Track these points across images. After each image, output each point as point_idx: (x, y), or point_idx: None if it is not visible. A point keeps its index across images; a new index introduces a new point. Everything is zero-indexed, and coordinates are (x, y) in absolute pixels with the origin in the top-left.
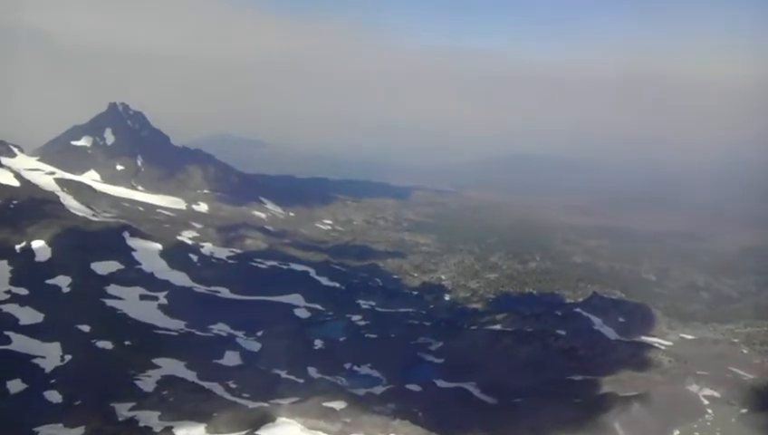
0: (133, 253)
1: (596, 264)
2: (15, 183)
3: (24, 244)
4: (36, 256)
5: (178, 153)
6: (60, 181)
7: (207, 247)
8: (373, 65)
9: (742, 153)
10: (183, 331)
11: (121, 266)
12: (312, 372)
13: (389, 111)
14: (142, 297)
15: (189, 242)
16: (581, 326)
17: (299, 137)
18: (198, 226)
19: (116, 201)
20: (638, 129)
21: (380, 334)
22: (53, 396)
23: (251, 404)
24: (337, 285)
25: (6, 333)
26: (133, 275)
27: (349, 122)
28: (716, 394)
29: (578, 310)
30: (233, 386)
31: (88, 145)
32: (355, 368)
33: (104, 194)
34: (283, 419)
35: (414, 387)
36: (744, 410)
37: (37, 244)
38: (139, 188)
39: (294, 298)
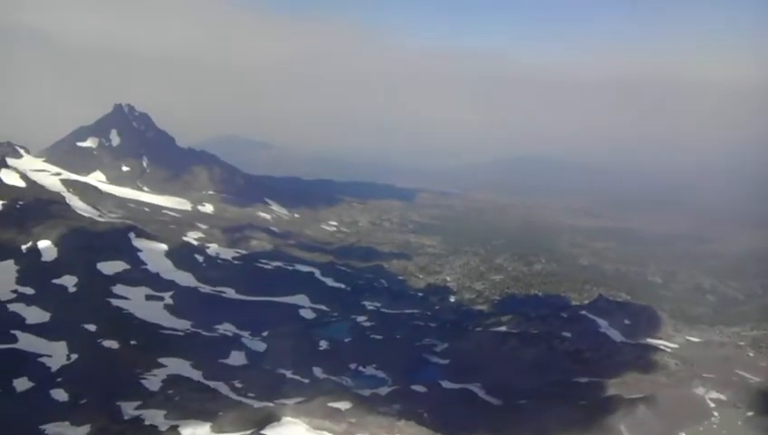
0: (139, 253)
1: (602, 266)
2: (21, 184)
3: (30, 244)
4: (42, 256)
5: (184, 154)
6: (66, 182)
7: (213, 248)
8: (373, 66)
9: (743, 154)
10: (189, 331)
11: (127, 267)
12: (318, 372)
13: (389, 111)
14: (148, 297)
15: (195, 243)
16: (587, 328)
17: (305, 139)
18: (204, 226)
19: (122, 202)
20: (639, 130)
21: (386, 335)
22: (60, 394)
23: (256, 404)
24: (342, 286)
25: (13, 332)
26: (139, 275)
27: (349, 123)
28: (722, 397)
29: (583, 312)
30: (238, 386)
31: (94, 146)
32: (360, 368)
33: (110, 195)
34: (289, 418)
35: (419, 388)
36: (750, 414)
37: (43, 244)
38: (145, 188)
39: (300, 299)
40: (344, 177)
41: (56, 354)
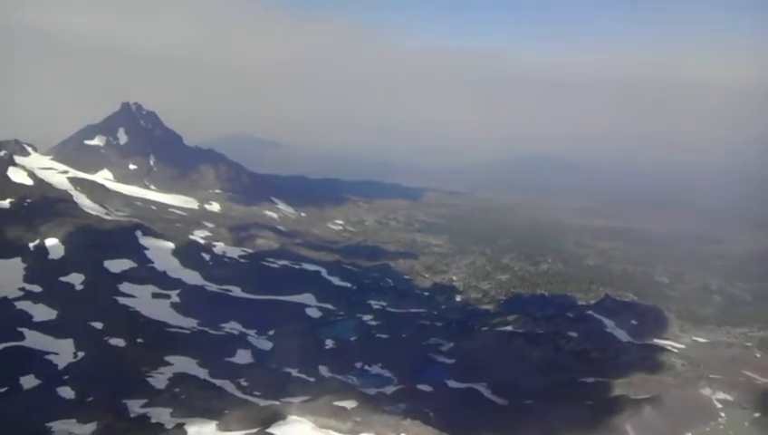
0: (146, 251)
1: (608, 266)
2: (29, 182)
3: (37, 242)
4: (50, 254)
5: (191, 153)
6: (73, 180)
7: (219, 247)
8: (373, 65)
9: (743, 154)
10: (195, 329)
11: (134, 265)
12: (323, 370)
13: (390, 111)
14: (155, 295)
15: (201, 241)
16: (593, 328)
17: (313, 138)
18: (210, 225)
19: (129, 200)
20: (639, 130)
21: (391, 334)
22: (66, 392)
23: (262, 402)
24: (348, 285)
25: (20, 329)
26: (146, 273)
27: (352, 123)
28: (729, 398)
29: (590, 312)
30: (244, 384)
31: (101, 144)
32: (366, 367)
33: (117, 193)
34: (294, 417)
35: (425, 387)
36: (756, 414)
37: (51, 242)
38: (152, 187)
39: (306, 298)
40: (351, 176)
41: (63, 352)
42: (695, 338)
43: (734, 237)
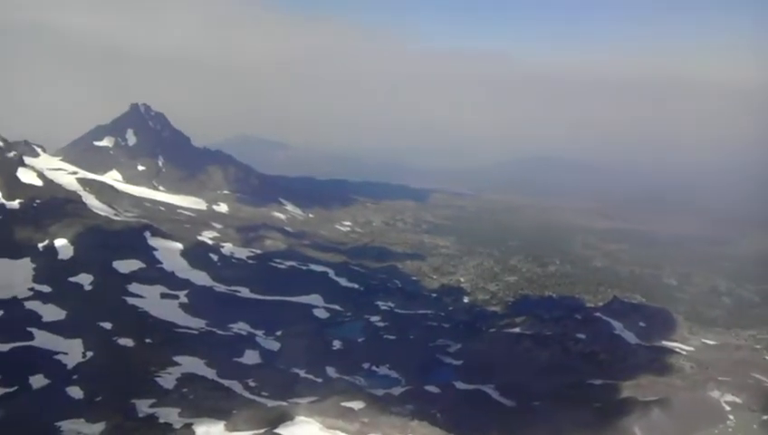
0: (154, 252)
1: (616, 268)
2: (38, 182)
3: (46, 242)
4: (59, 255)
5: (199, 154)
6: (82, 181)
7: (227, 247)
8: (374, 66)
9: (743, 155)
10: (203, 329)
11: (143, 265)
12: (331, 371)
13: (392, 112)
14: (163, 296)
15: (210, 242)
16: (601, 330)
17: (320, 139)
18: (219, 226)
19: (137, 201)
20: (640, 130)
21: (399, 336)
22: (75, 392)
23: (270, 403)
24: (356, 286)
25: (29, 329)
26: (154, 273)
27: (355, 124)
28: (738, 400)
29: (598, 314)
30: (252, 384)
31: (110, 145)
32: (374, 368)
33: (126, 194)
34: (302, 418)
35: (432, 388)
36: (765, 417)
37: (60, 242)
38: (161, 188)
39: (313, 298)
40: (358, 177)
41: (72, 352)
42: (703, 340)
43: (740, 239)
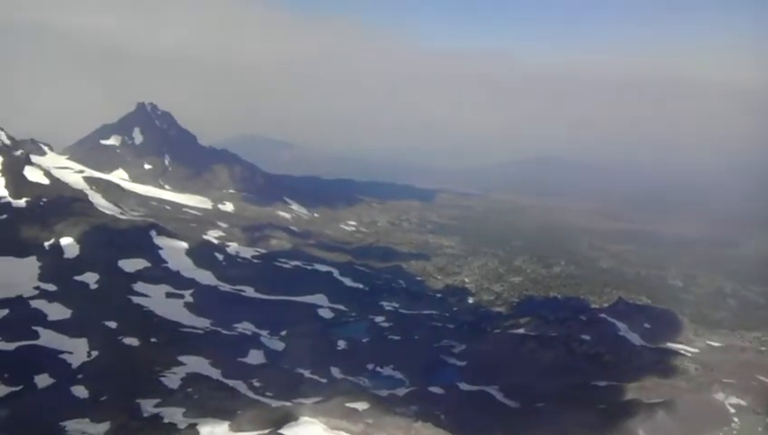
0: (160, 251)
1: (622, 269)
2: (45, 181)
3: (52, 241)
4: (65, 253)
5: (205, 153)
6: (88, 180)
7: (233, 247)
8: (375, 66)
9: (743, 155)
10: (208, 329)
11: (148, 264)
12: (335, 372)
13: (393, 111)
14: (168, 295)
15: (215, 241)
16: (606, 332)
17: (325, 138)
18: (224, 225)
19: (143, 200)
20: (642, 130)
21: (403, 336)
22: (80, 391)
23: (274, 403)
24: (360, 286)
25: (35, 328)
26: (160, 273)
27: (358, 123)
28: (743, 403)
29: (603, 315)
30: (256, 385)
31: (116, 144)
32: (378, 369)
33: (132, 193)
34: (306, 418)
35: (437, 389)
36: None
37: (66, 241)
38: (167, 187)
39: (318, 298)
40: (364, 177)
41: (77, 351)
42: (708, 342)
43: (744, 240)
